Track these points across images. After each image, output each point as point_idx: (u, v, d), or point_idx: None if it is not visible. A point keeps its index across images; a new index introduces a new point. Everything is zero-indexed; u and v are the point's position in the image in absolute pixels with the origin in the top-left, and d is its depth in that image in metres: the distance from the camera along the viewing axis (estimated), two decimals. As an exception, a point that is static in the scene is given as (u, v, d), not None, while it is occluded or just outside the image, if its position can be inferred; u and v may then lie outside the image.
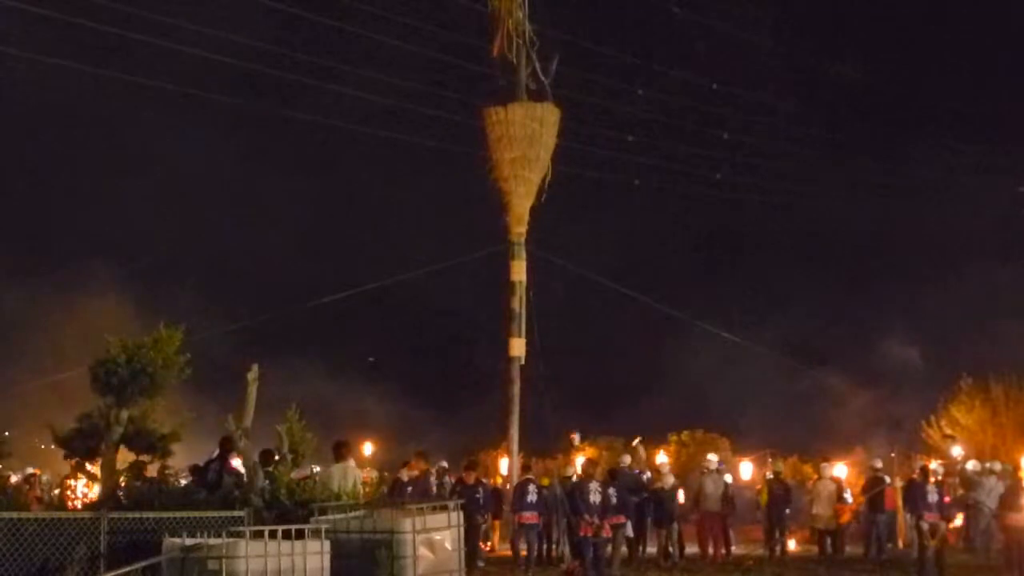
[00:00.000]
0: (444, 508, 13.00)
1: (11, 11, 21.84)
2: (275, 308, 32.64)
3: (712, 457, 22.67)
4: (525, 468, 20.54)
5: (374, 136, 32.84)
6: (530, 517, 18.41)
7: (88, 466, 15.47)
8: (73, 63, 25.32)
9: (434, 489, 18.57)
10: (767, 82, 40.17)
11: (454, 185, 38.41)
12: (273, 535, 11.09)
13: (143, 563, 11.15)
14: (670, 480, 21.15)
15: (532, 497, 18.52)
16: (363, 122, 31.80)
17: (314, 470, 16.25)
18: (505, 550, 20.78)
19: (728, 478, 22.92)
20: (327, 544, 11.53)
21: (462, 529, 13.12)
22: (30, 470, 25.90)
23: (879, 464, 22.08)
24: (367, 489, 15.87)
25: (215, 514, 12.54)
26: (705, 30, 38.66)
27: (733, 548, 21.45)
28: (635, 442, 25.88)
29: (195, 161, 44.39)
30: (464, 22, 26.69)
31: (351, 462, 15.70)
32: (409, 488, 20.65)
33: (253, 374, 14.05)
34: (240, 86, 30.60)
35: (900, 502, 21.04)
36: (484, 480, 21.35)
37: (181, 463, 17.43)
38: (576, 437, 26.71)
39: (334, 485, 14.28)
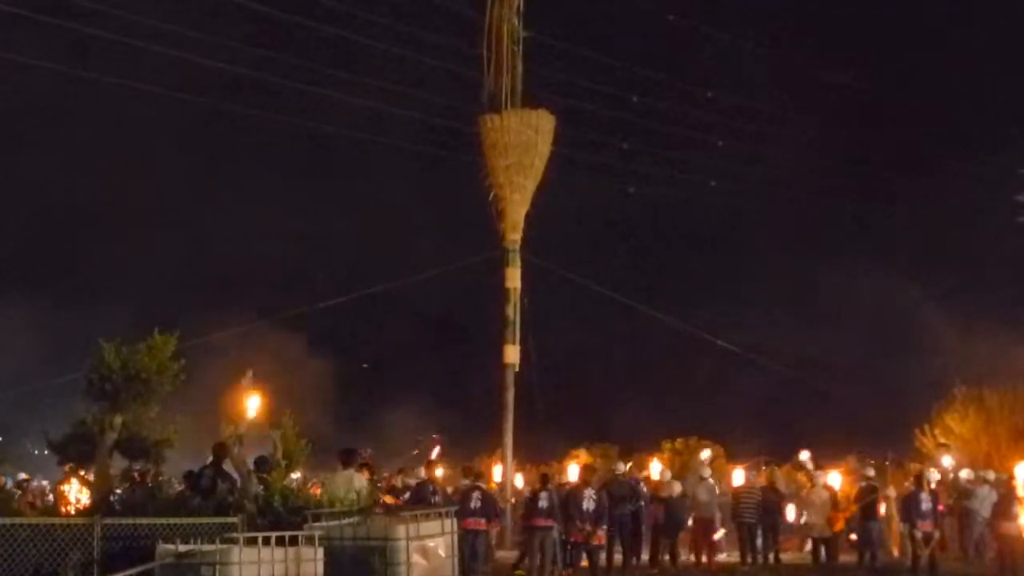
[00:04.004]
0: (438, 515, 13.02)
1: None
2: (271, 313, 32.65)
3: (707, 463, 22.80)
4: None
5: (369, 142, 32.90)
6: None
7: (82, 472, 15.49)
8: (66, 67, 25.35)
9: (431, 498, 18.50)
10: (763, 90, 40.30)
11: (450, 192, 38.46)
12: (267, 542, 11.10)
13: (137, 569, 11.14)
14: (677, 488, 21.15)
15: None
16: (358, 128, 31.85)
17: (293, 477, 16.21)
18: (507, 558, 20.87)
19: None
20: (321, 551, 11.55)
21: (456, 536, 13.15)
22: (21, 475, 25.85)
23: (872, 472, 22.10)
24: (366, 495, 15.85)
25: (209, 520, 12.54)
26: (700, 38, 38.81)
27: (722, 556, 21.56)
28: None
29: (191, 164, 44.48)
30: (460, 29, 26.77)
31: (354, 471, 15.70)
32: (406, 495, 20.66)
33: (248, 380, 14.06)
34: (234, 91, 30.61)
35: (894, 510, 21.06)
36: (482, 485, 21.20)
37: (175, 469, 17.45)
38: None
39: (339, 492, 14.28)
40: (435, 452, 27.78)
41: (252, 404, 30.66)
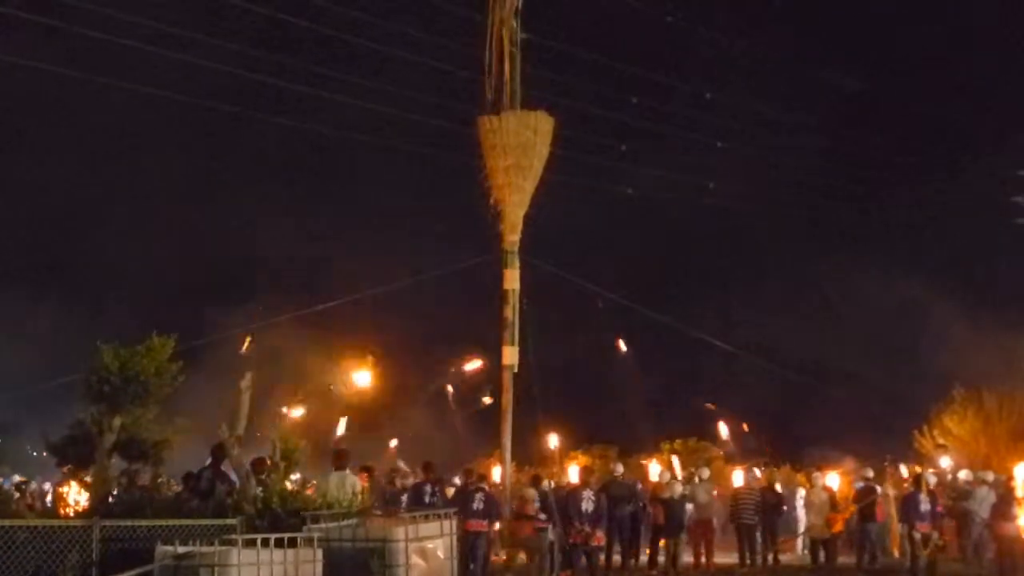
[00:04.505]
0: (437, 517, 13.03)
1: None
2: (270, 315, 32.64)
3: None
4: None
5: (368, 143, 32.88)
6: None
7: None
8: (65, 68, 25.32)
9: (427, 499, 18.48)
10: (762, 91, 40.27)
11: (448, 194, 38.46)
12: (265, 543, 11.11)
13: (136, 571, 11.14)
14: (678, 489, 21.17)
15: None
16: (356, 129, 31.82)
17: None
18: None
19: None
20: (319, 552, 11.56)
21: (455, 537, 13.16)
22: (17, 478, 25.83)
23: (871, 473, 22.13)
24: (363, 497, 15.87)
25: (208, 522, 12.56)
26: (699, 39, 38.82)
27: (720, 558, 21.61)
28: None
29: (186, 167, 44.45)
30: (458, 30, 26.75)
31: (348, 471, 15.74)
32: (404, 496, 20.65)
33: (246, 382, 14.07)
34: (233, 93, 30.58)
35: (893, 511, 21.09)
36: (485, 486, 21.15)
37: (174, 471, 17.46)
38: None
39: (331, 493, 14.29)
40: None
41: (363, 379, 31.99)
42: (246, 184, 44.97)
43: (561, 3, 30.94)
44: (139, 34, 23.83)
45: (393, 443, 36.30)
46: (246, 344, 14.26)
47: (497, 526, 19.03)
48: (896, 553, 21.40)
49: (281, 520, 12.86)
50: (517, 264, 23.76)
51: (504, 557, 19.94)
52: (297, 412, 33.53)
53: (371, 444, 34.43)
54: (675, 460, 28.47)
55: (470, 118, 24.74)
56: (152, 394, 14.81)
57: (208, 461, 15.68)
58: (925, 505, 18.63)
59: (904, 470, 23.26)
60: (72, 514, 15.18)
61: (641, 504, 21.12)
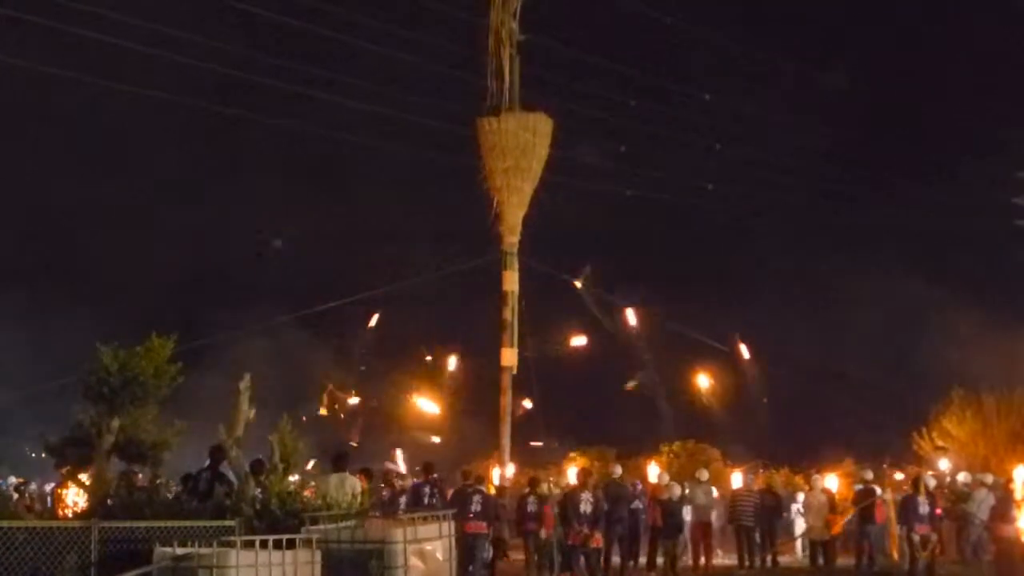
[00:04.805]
0: (436, 518, 13.02)
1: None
2: (269, 315, 32.66)
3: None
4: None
5: (367, 145, 32.86)
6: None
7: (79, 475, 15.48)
8: (63, 69, 25.29)
9: (426, 499, 18.48)
10: (761, 92, 40.32)
11: (448, 195, 38.45)
12: (264, 545, 11.11)
13: (134, 572, 11.13)
14: (677, 491, 21.16)
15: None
16: (356, 131, 31.81)
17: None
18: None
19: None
20: (318, 554, 11.56)
21: (453, 539, 13.15)
22: (12, 479, 25.82)
23: (870, 475, 22.12)
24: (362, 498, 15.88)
25: (206, 523, 12.54)
26: (698, 41, 38.81)
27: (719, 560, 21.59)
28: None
29: (186, 167, 44.46)
30: (458, 30, 26.75)
31: (347, 473, 15.74)
32: (403, 497, 20.67)
33: (245, 383, 14.04)
34: (231, 94, 30.57)
35: (892, 513, 21.08)
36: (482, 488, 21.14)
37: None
38: None
39: (331, 495, 14.28)
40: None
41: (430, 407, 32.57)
42: (245, 184, 45.02)
43: (561, 4, 30.92)
44: (137, 35, 23.82)
45: (436, 439, 36.90)
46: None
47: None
48: (895, 555, 21.38)
49: (280, 521, 12.85)
50: (516, 265, 23.78)
51: (516, 558, 19.98)
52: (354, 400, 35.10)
53: (377, 445, 34.53)
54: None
55: (469, 119, 24.78)
56: (151, 395, 14.78)
57: (207, 462, 15.67)
58: (924, 507, 18.63)
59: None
60: (70, 515, 15.16)
61: (639, 505, 21.10)
